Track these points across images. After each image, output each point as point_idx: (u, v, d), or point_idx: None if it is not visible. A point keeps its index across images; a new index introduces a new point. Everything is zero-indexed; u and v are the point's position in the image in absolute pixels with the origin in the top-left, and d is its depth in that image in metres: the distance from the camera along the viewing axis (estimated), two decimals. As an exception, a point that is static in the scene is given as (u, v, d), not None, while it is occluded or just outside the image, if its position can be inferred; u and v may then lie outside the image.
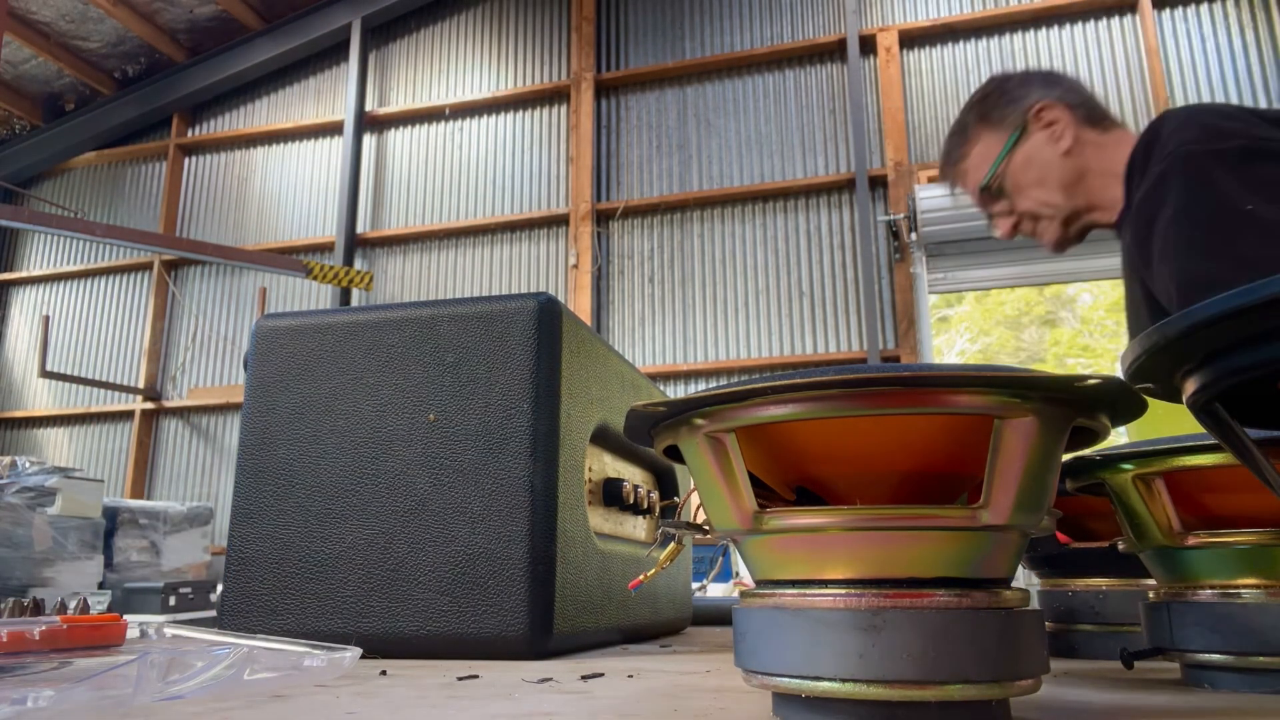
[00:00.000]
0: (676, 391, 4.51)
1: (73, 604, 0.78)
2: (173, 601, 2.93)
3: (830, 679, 0.39)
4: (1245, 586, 0.52)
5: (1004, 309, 8.90)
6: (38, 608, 0.70)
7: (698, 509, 0.53)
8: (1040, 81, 1.31)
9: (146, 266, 6.26)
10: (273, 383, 0.86)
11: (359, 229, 5.79)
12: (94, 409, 6.09)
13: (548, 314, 0.82)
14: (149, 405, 5.94)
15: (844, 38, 5.04)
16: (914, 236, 4.55)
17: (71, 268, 6.48)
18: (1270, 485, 0.42)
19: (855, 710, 0.39)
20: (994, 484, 0.40)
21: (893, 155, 4.81)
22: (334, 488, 0.82)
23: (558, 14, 5.75)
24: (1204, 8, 4.56)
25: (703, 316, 4.99)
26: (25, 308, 6.60)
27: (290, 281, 5.81)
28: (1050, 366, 7.99)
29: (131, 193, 6.56)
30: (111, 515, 3.79)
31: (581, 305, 5.09)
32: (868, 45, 5.03)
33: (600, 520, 0.95)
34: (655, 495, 1.12)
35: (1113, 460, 0.57)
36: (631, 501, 0.99)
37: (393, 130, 5.96)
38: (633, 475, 1.09)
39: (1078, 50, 4.71)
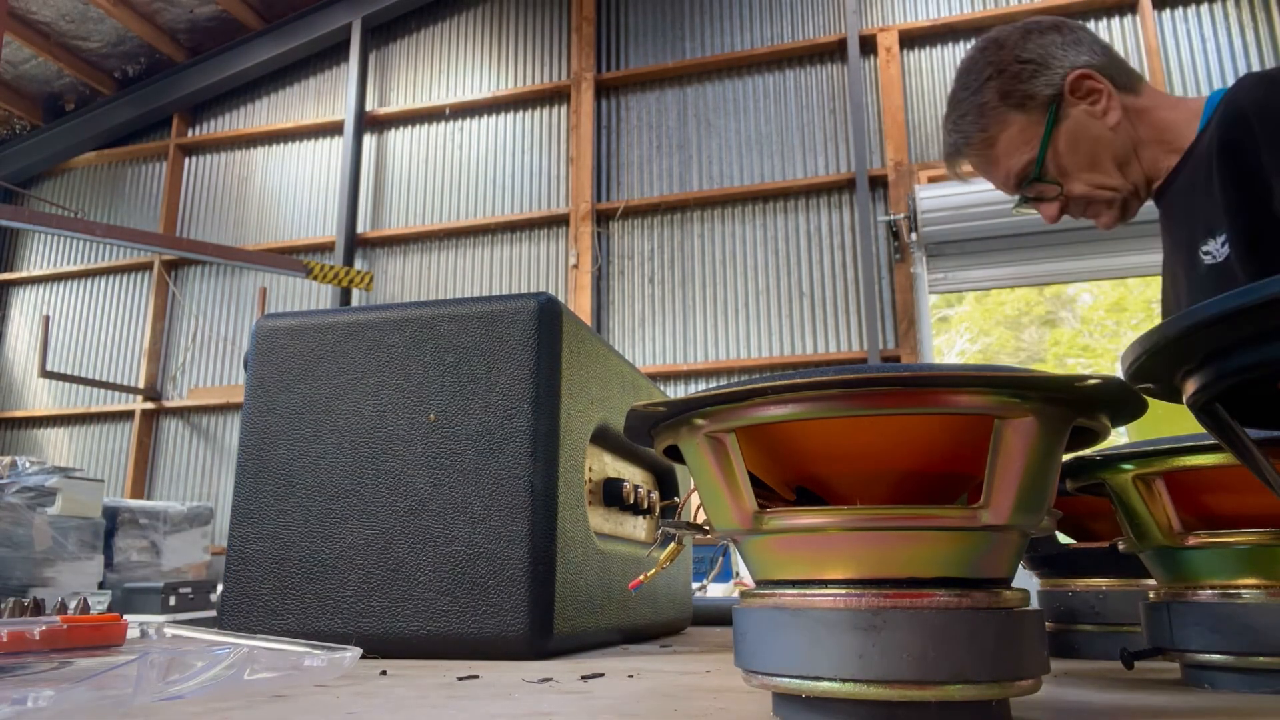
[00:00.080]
0: (676, 391, 4.51)
1: (73, 604, 0.78)
2: (173, 601, 2.93)
3: (830, 679, 0.39)
4: (1245, 586, 0.52)
5: (1004, 309, 8.90)
6: (38, 608, 0.70)
7: (698, 509, 0.53)
8: (1059, 43, 1.16)
9: (146, 266, 6.26)
10: (273, 383, 0.86)
11: (359, 229, 5.80)
12: (94, 409, 6.09)
13: (548, 314, 0.82)
14: (149, 405, 5.94)
15: (844, 38, 5.04)
16: (914, 236, 4.55)
17: (71, 268, 6.49)
18: (1270, 485, 0.42)
19: (855, 710, 0.39)
20: (994, 484, 0.40)
21: (893, 155, 4.81)
22: (334, 488, 0.82)
23: (558, 14, 5.75)
24: (1204, 8, 4.56)
25: (703, 316, 5.00)
26: (25, 308, 6.60)
27: (290, 281, 5.81)
28: (1050, 366, 7.99)
29: (131, 193, 6.57)
30: (111, 515, 3.79)
31: (581, 305, 5.09)
32: (868, 45, 5.03)
33: (600, 520, 0.95)
34: (655, 495, 1.12)
35: (1113, 460, 0.57)
36: (631, 501, 0.99)
37: (393, 130, 5.96)
38: (633, 475, 1.09)
39: (1078, 50, 4.71)
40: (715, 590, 2.24)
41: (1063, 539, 0.81)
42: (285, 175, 6.14)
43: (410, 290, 5.62)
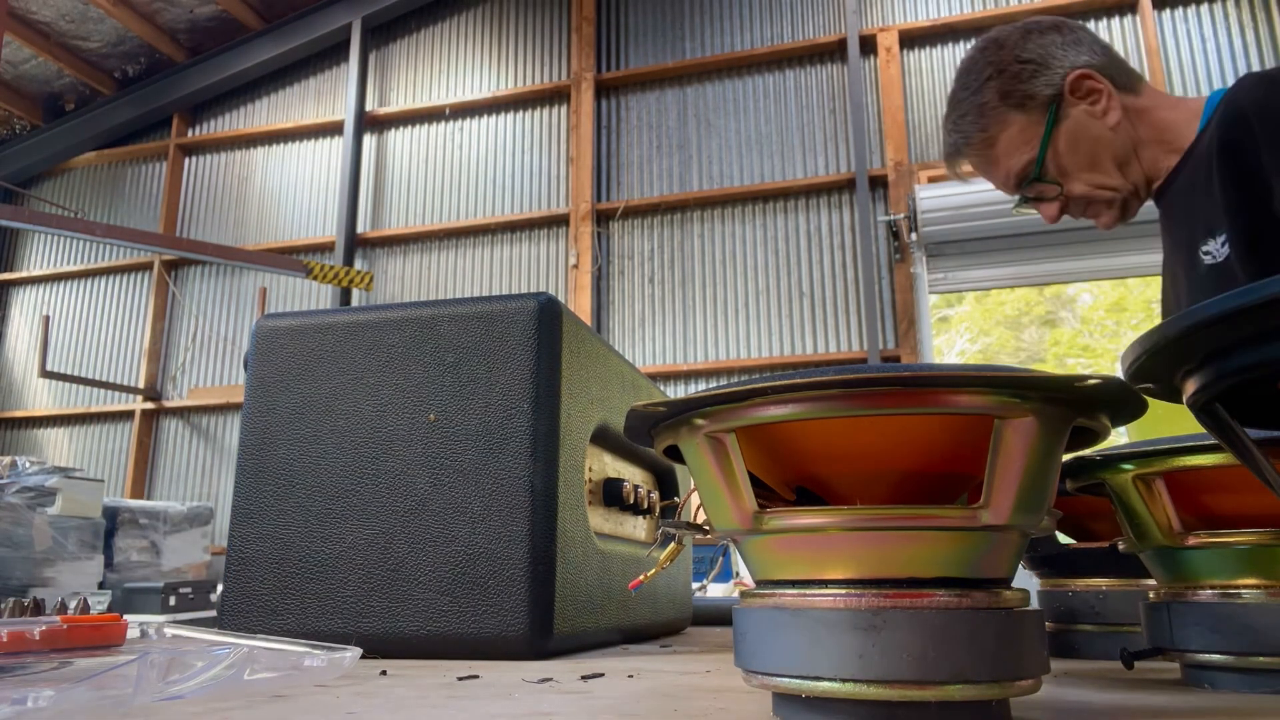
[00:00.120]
0: (676, 391, 4.51)
1: (73, 604, 0.78)
2: (173, 601, 2.94)
3: (830, 679, 0.39)
4: (1245, 586, 0.52)
5: (1004, 309, 8.90)
6: (38, 608, 0.70)
7: (698, 509, 0.53)
8: (1059, 43, 1.16)
9: (146, 266, 6.27)
10: (273, 383, 0.86)
11: (359, 229, 5.80)
12: (94, 409, 6.09)
13: (548, 314, 0.82)
14: (149, 405, 5.94)
15: (844, 38, 5.04)
16: (914, 236, 4.55)
17: (71, 268, 6.49)
18: (1270, 485, 0.42)
19: (855, 710, 0.39)
20: (994, 484, 0.40)
21: (893, 155, 4.81)
22: (334, 488, 0.82)
23: (558, 14, 5.75)
24: (1204, 8, 4.56)
25: (703, 316, 5.00)
26: (25, 308, 6.60)
27: (290, 281, 5.81)
28: (1050, 366, 7.99)
29: (131, 193, 6.57)
30: (111, 515, 3.79)
31: (581, 305, 5.09)
32: (868, 45, 5.03)
33: (600, 520, 0.95)
34: (655, 495, 1.12)
35: (1113, 460, 0.57)
36: (631, 501, 0.99)
37: (393, 130, 5.96)
38: (633, 475, 1.09)
39: (1078, 50, 4.71)
40: (715, 590, 2.24)
41: (1063, 539, 0.81)
42: (285, 175, 6.14)
43: (410, 290, 5.62)
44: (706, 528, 0.50)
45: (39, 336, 5.74)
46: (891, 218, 4.68)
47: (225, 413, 5.84)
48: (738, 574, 2.69)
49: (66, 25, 6.12)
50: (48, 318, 5.71)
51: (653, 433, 0.50)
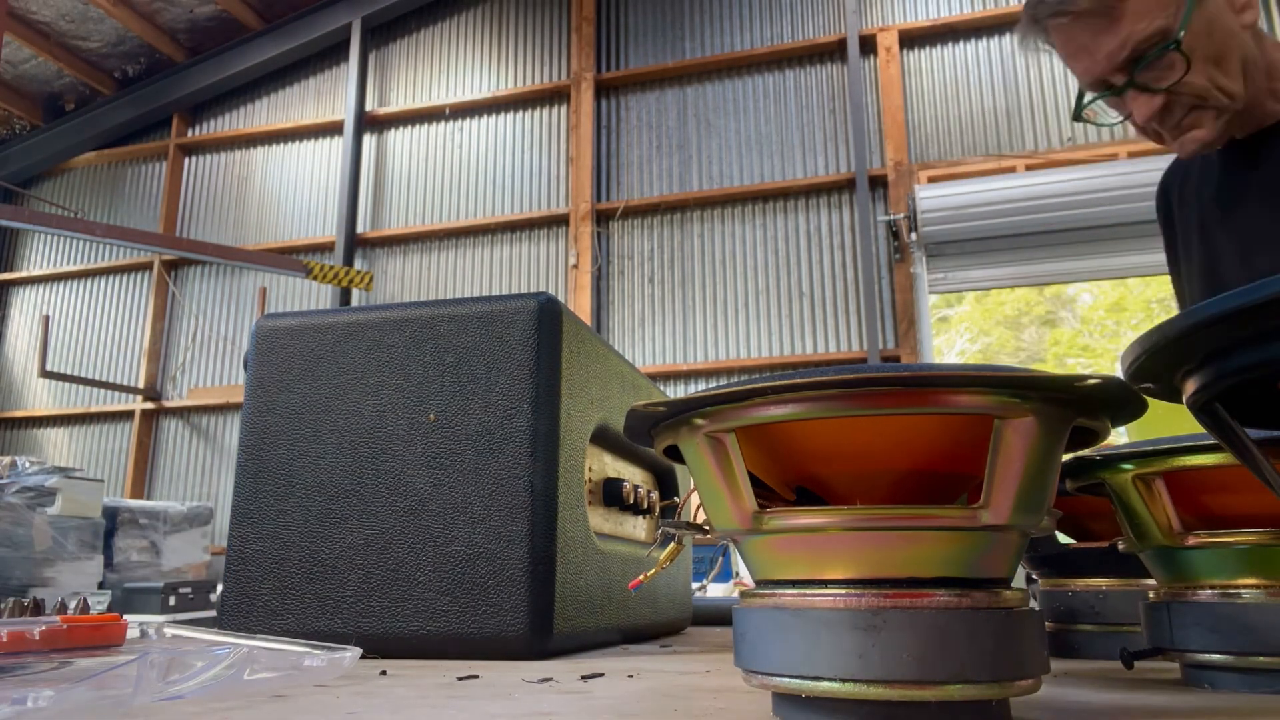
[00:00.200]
0: (676, 391, 4.51)
1: (73, 604, 0.78)
2: (173, 601, 2.94)
3: (830, 679, 0.39)
4: (1245, 586, 0.52)
5: (1004, 309, 8.90)
6: (38, 608, 0.70)
7: (698, 509, 0.53)
8: None
9: (146, 266, 6.27)
10: (273, 383, 0.86)
11: (359, 229, 5.80)
12: (94, 409, 6.09)
13: (548, 314, 0.82)
14: (149, 405, 5.94)
15: (844, 38, 5.04)
16: (914, 236, 4.55)
17: (71, 268, 6.49)
18: (1270, 485, 0.42)
19: (855, 710, 0.39)
20: (994, 484, 0.40)
21: (893, 155, 4.81)
22: (334, 488, 0.82)
23: (558, 14, 5.75)
24: (1204, 8, 4.55)
25: (703, 316, 5.00)
26: (25, 308, 6.60)
27: (290, 281, 5.81)
28: (1050, 366, 7.99)
29: (131, 193, 6.57)
30: (111, 515, 3.79)
31: (581, 305, 5.09)
32: (868, 45, 5.03)
33: (600, 520, 0.95)
34: (655, 495, 1.12)
35: (1113, 460, 0.57)
36: (631, 501, 0.99)
37: (393, 130, 5.96)
38: (633, 475, 1.09)
39: (1078, 50, 4.71)
40: (715, 590, 2.24)
41: (1063, 539, 0.81)
42: (285, 175, 6.14)
43: (410, 290, 5.62)
44: (706, 528, 0.50)
45: (39, 336, 5.74)
46: (891, 218, 4.68)
47: (225, 413, 5.84)
48: (738, 574, 2.69)
49: (66, 25, 6.12)
50: (48, 318, 5.71)
51: (653, 433, 0.50)
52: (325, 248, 5.85)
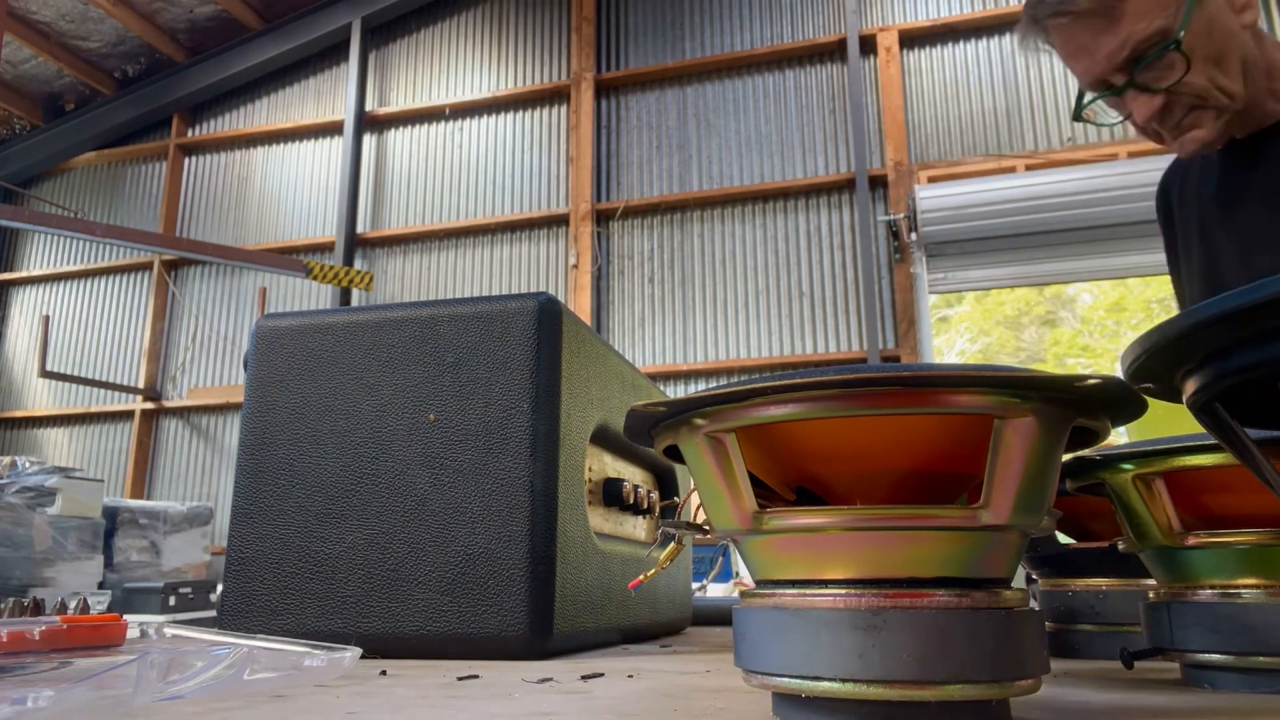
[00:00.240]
0: (676, 391, 4.51)
1: (73, 604, 0.78)
2: (173, 601, 2.94)
3: (830, 679, 0.39)
4: (1245, 586, 0.52)
5: (1004, 309, 8.90)
6: (38, 608, 0.70)
7: (698, 509, 0.53)
8: None
9: (146, 266, 6.27)
10: (273, 383, 0.86)
11: (359, 229, 5.80)
12: (94, 409, 6.09)
13: (548, 314, 0.82)
14: (149, 405, 5.94)
15: (844, 38, 5.04)
16: (914, 236, 4.55)
17: (71, 268, 6.49)
18: (1270, 485, 0.42)
19: (855, 710, 0.39)
20: (994, 484, 0.40)
21: (893, 155, 4.81)
22: (334, 488, 0.82)
23: (558, 14, 5.75)
24: (1204, 8, 4.55)
25: (703, 316, 5.00)
26: (25, 308, 6.60)
27: (290, 281, 5.81)
28: (1050, 366, 7.99)
29: (131, 193, 6.57)
30: (111, 515, 3.79)
31: (581, 305, 5.09)
32: (868, 45, 5.03)
33: (600, 520, 0.95)
34: (655, 495, 1.12)
35: (1113, 460, 0.57)
36: (631, 501, 0.99)
37: (393, 130, 5.96)
38: (633, 475, 1.09)
39: (1078, 50, 4.71)
40: (715, 590, 2.24)
41: (1063, 539, 0.81)
42: (285, 175, 6.14)
43: (410, 290, 5.62)
44: (706, 528, 0.50)
45: (39, 336, 5.74)
46: (891, 218, 4.68)
47: (225, 413, 5.84)
48: (738, 574, 2.69)
49: (66, 25, 6.12)
50: (47, 318, 5.71)
51: (653, 433, 0.50)
52: (325, 248, 5.85)
